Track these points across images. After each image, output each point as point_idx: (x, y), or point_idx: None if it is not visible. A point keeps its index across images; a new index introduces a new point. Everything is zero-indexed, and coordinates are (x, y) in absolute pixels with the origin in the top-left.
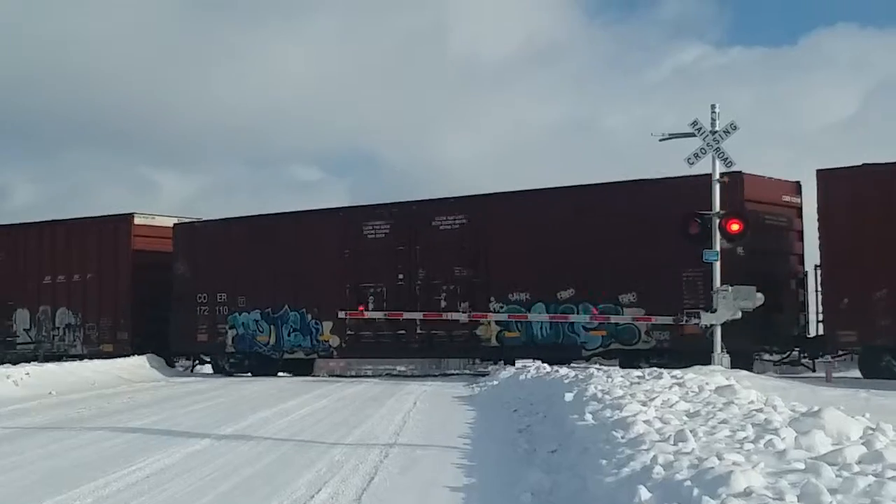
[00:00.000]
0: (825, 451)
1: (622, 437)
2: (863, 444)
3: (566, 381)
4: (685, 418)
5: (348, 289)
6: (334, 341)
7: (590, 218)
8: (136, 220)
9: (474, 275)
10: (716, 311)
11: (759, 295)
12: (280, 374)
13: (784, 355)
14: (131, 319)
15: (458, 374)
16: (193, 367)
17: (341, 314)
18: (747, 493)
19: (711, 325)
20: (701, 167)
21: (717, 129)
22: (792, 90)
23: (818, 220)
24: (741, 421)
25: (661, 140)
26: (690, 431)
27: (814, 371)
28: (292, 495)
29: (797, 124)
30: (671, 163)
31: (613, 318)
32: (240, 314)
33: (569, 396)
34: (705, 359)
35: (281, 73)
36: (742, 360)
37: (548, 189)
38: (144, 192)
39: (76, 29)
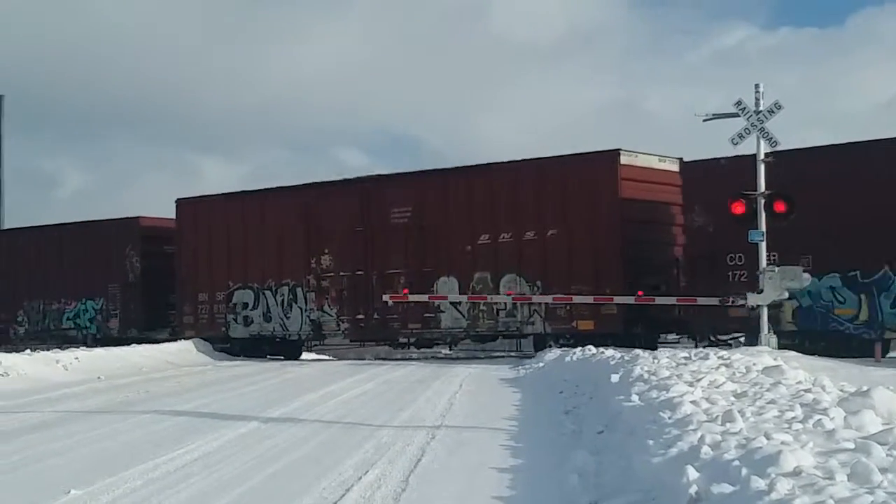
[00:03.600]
0: (875, 431)
1: (669, 418)
2: None
3: (612, 363)
4: (732, 399)
5: None
6: None
7: None
8: (623, 160)
9: None
10: (762, 291)
11: (807, 275)
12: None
13: None
14: (622, 289)
15: (503, 357)
16: (697, 343)
17: (385, 297)
18: (797, 473)
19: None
20: None
21: (761, 108)
22: (838, 70)
23: None
24: (789, 401)
25: (704, 120)
26: (738, 412)
27: None
28: (340, 476)
29: (842, 104)
30: (718, 144)
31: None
32: None
33: (615, 378)
34: None
35: (322, 56)
36: None
37: None
38: (188, 178)
39: (120, 14)
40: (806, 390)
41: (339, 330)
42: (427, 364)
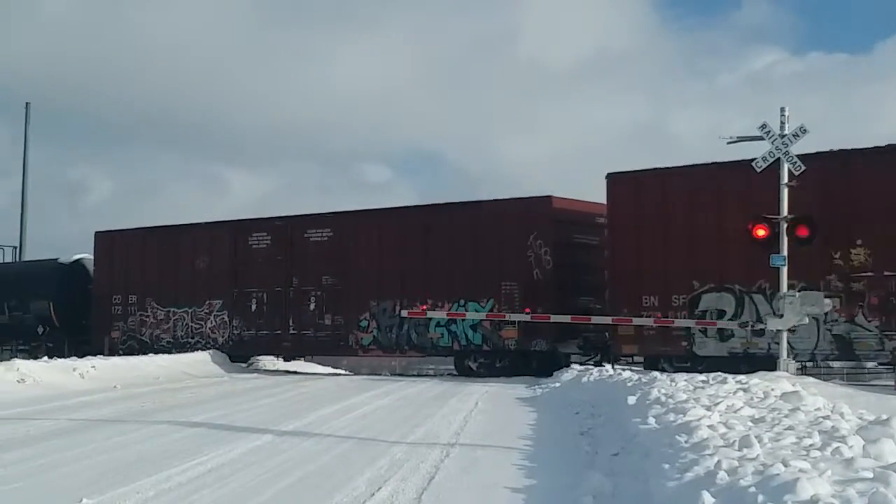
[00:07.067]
0: (894, 461)
1: (686, 442)
2: None
3: (629, 385)
4: (750, 424)
5: None
6: None
7: None
8: None
9: None
10: (782, 316)
11: (828, 301)
12: None
13: None
14: None
15: (519, 376)
16: None
17: (404, 313)
18: (814, 501)
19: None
20: None
21: (786, 132)
22: (866, 95)
23: None
24: (807, 428)
25: (729, 143)
26: (755, 437)
27: None
28: (353, 493)
29: (870, 129)
30: None
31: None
32: None
33: (632, 400)
34: None
35: (352, 75)
36: None
37: None
38: (215, 190)
39: (153, 29)
40: (825, 417)
41: (882, 350)
42: (443, 381)
